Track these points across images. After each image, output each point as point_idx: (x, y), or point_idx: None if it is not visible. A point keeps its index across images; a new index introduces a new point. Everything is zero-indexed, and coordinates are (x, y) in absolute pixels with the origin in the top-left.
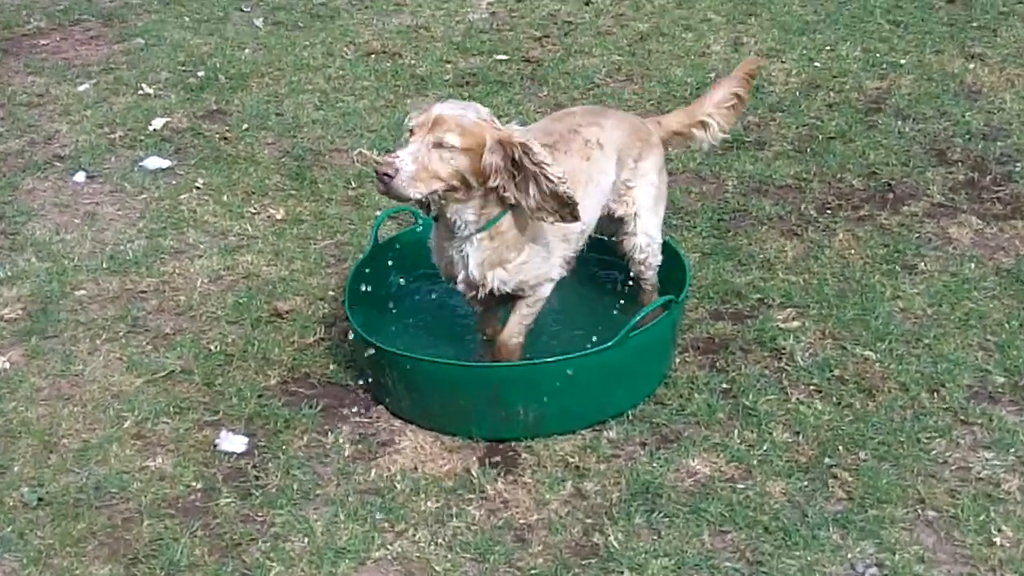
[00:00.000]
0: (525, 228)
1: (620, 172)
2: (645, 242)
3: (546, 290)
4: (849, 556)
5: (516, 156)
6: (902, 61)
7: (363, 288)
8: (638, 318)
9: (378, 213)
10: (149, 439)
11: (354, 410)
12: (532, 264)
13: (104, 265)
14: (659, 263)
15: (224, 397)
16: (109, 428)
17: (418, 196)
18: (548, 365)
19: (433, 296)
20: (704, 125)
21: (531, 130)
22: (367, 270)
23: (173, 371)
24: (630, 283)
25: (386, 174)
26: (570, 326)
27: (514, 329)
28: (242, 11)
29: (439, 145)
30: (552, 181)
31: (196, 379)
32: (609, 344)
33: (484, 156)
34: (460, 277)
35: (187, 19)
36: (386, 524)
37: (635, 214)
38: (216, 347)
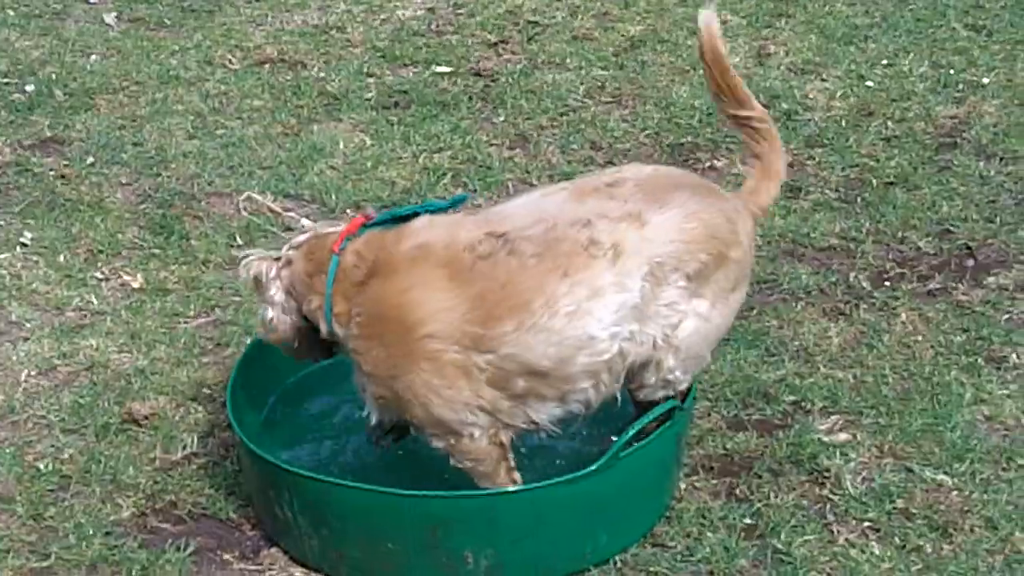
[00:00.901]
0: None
1: (655, 293)
2: (662, 383)
3: (465, 447)
4: None
5: None
6: (985, 80)
7: (252, 385)
8: (630, 433)
9: None
10: None
11: (238, 553)
12: (402, 404)
13: None
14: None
15: (58, 535)
16: None
17: None
18: (507, 496)
19: (352, 398)
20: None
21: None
22: (258, 359)
23: None
24: None
25: None
26: (558, 439)
27: None
28: (87, 3)
29: None
30: None
31: (19, 510)
32: (591, 468)
33: None
34: None
35: (11, 12)
36: None
37: (659, 361)
38: (47, 465)
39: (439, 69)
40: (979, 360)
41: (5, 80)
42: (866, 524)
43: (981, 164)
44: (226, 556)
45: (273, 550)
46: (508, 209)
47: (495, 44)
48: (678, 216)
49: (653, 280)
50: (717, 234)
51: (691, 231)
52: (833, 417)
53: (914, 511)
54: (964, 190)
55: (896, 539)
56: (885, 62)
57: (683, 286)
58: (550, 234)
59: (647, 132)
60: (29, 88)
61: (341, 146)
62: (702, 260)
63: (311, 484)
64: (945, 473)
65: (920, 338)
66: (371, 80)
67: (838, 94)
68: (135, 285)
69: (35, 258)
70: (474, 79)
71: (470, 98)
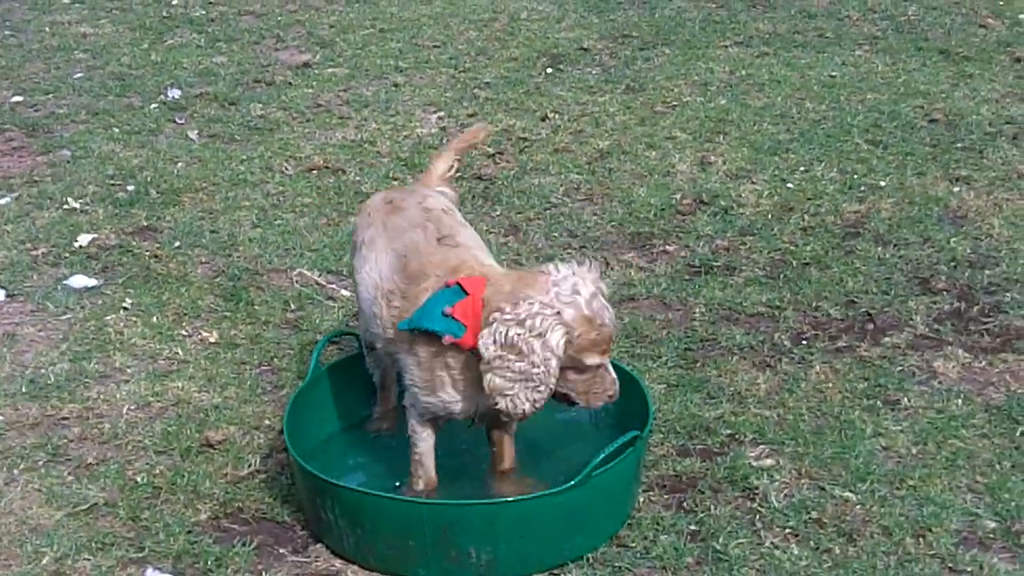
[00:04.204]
0: None
1: None
2: None
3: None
4: None
5: None
6: (882, 183)
7: (303, 416)
8: (602, 456)
9: (319, 337)
10: None
11: (291, 548)
12: None
13: (23, 390)
14: None
15: (150, 533)
16: (26, 564)
17: None
18: (504, 505)
19: (384, 427)
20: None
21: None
22: (307, 398)
23: (96, 504)
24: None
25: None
26: (528, 465)
27: None
28: (175, 123)
29: None
30: None
31: (120, 513)
32: (570, 484)
33: None
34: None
35: (117, 130)
36: None
37: None
38: (143, 479)
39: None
40: (878, 403)
41: (111, 182)
42: (787, 531)
43: (879, 249)
44: (282, 550)
45: (319, 546)
46: None
47: (493, 155)
48: None
49: None
50: None
51: None
52: (761, 446)
53: (826, 521)
54: (866, 269)
55: (811, 543)
56: (802, 169)
57: None
58: None
59: (613, 223)
60: (130, 188)
61: None
62: None
63: (348, 494)
64: (851, 491)
65: (830, 385)
66: (395, 183)
67: (765, 194)
68: (212, 340)
69: (134, 319)
70: (476, 182)
71: (473, 197)
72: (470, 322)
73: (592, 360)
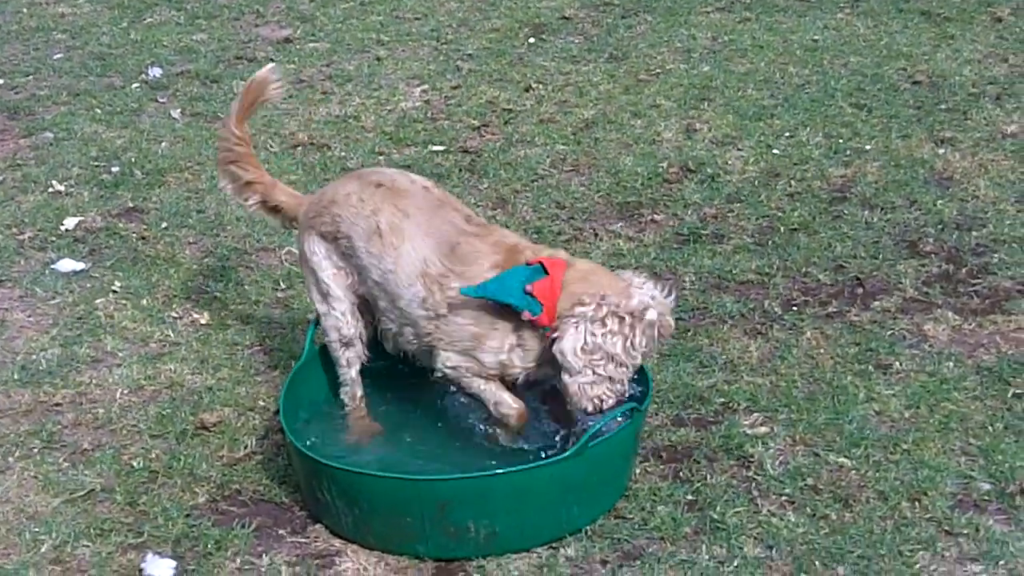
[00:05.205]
0: None
1: None
2: None
3: None
4: None
5: None
6: (867, 147)
7: (298, 397)
8: (597, 426)
9: (309, 316)
10: (68, 564)
11: (290, 529)
12: None
13: (15, 376)
14: None
15: (149, 517)
16: (25, 553)
17: None
18: (500, 477)
19: (382, 406)
20: None
21: None
22: (302, 378)
23: (93, 490)
24: None
25: None
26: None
27: None
28: (158, 102)
29: None
30: None
31: (118, 498)
32: (566, 454)
33: None
34: None
35: (99, 111)
36: None
37: None
38: (139, 463)
39: (434, 148)
40: (869, 367)
41: (95, 163)
42: (784, 498)
43: (866, 213)
44: (280, 531)
45: (317, 526)
46: None
47: (478, 127)
48: None
49: None
50: None
51: None
52: (755, 414)
53: (821, 487)
54: (853, 234)
55: (808, 509)
56: (788, 134)
57: None
58: None
59: (600, 194)
60: (115, 169)
61: None
62: None
63: (344, 474)
64: (845, 457)
65: (822, 351)
66: (381, 157)
67: (751, 160)
68: (203, 321)
69: (124, 302)
70: (462, 155)
71: (460, 170)
72: (547, 302)
73: None
